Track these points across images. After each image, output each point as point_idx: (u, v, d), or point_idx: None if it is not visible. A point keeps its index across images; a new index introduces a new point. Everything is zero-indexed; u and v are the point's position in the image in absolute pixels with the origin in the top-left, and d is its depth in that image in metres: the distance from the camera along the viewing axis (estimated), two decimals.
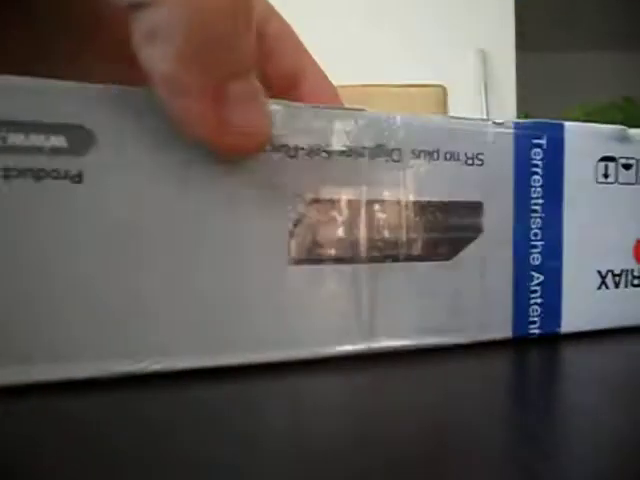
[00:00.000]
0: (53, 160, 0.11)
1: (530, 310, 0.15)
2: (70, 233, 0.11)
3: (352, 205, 0.13)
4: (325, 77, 0.17)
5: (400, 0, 0.99)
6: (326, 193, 0.13)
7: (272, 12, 0.15)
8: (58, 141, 0.11)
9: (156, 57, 0.10)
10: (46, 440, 0.09)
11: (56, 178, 0.11)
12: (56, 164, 0.11)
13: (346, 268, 0.13)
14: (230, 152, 0.12)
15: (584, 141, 0.16)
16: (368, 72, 0.86)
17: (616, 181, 0.16)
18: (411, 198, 0.14)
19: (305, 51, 0.16)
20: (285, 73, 0.16)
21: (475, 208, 0.15)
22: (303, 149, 0.13)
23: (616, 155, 0.16)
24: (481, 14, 1.00)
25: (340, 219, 0.13)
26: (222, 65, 0.10)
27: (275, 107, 0.13)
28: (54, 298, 0.11)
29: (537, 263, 0.15)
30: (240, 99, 0.11)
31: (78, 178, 0.11)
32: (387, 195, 0.14)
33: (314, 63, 0.16)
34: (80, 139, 0.11)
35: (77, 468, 0.08)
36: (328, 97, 0.13)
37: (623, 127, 0.16)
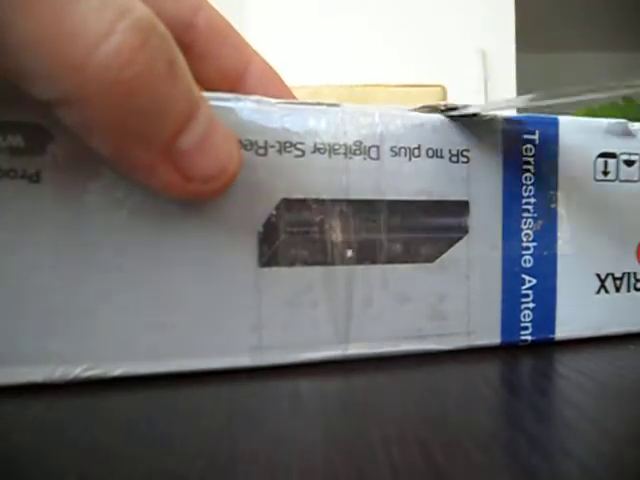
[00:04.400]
0: (10, 160, 0.11)
1: (521, 315, 0.14)
2: (27, 234, 0.11)
3: (326, 205, 0.13)
4: (270, 69, 0.16)
5: (400, 0, 0.99)
6: (298, 192, 0.13)
7: (201, 1, 0.15)
8: (15, 140, 0.11)
9: (97, 146, 0.10)
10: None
11: (13, 178, 0.11)
12: (13, 164, 0.11)
13: (320, 271, 0.13)
14: (200, 198, 0.11)
15: (581, 136, 0.15)
16: (368, 72, 0.86)
17: (617, 178, 0.15)
18: (390, 197, 0.13)
19: (245, 44, 0.16)
20: (226, 72, 0.15)
21: (460, 207, 0.14)
22: (273, 147, 0.12)
23: (617, 151, 0.15)
24: (481, 14, 0.98)
25: (313, 219, 0.13)
26: (164, 128, 0.10)
27: (244, 103, 0.12)
28: (8, 302, 0.11)
29: (529, 265, 0.14)
30: (194, 147, 0.10)
31: (36, 178, 0.11)
32: (364, 194, 0.13)
33: (256, 55, 0.16)
34: (37, 138, 0.11)
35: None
36: (277, 90, 0.13)
37: (624, 121, 0.15)
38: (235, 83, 0.15)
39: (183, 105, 0.10)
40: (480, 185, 0.14)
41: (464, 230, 0.14)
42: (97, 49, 0.09)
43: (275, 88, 0.15)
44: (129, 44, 0.09)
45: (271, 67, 0.16)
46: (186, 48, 0.11)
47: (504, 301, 0.14)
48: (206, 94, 0.12)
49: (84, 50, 0.09)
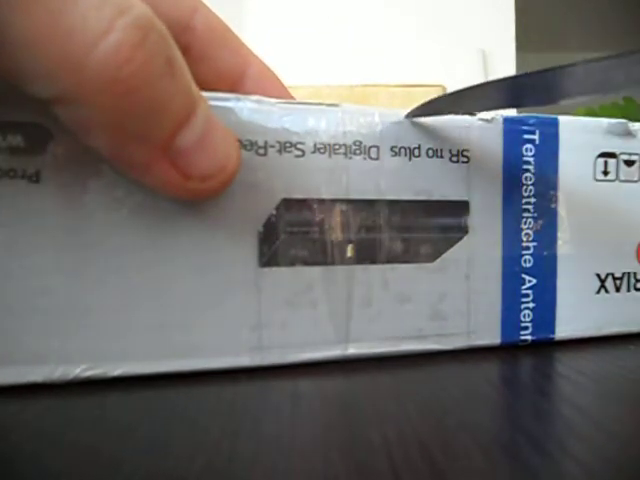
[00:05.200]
0: (10, 160, 0.11)
1: (521, 315, 0.14)
2: (27, 234, 0.11)
3: (326, 205, 0.13)
4: (269, 70, 0.16)
5: (399, 0, 0.99)
6: (299, 192, 0.13)
7: (198, 3, 0.15)
8: (15, 140, 0.11)
9: (95, 145, 0.10)
10: None
11: (13, 178, 0.11)
12: (13, 163, 0.11)
13: (320, 271, 0.13)
14: (198, 197, 0.11)
15: (581, 136, 0.15)
16: (368, 72, 0.86)
17: (617, 178, 0.15)
18: (390, 197, 0.13)
19: (242, 45, 0.16)
20: (224, 74, 0.15)
21: (460, 207, 0.14)
22: (273, 147, 0.12)
23: (617, 151, 0.15)
24: (481, 14, 0.98)
25: (313, 219, 0.13)
26: (163, 125, 0.10)
27: (244, 103, 0.12)
28: (8, 302, 0.11)
29: (529, 265, 0.14)
30: (192, 145, 0.10)
31: (36, 177, 0.11)
32: (364, 194, 0.13)
33: (254, 57, 0.16)
34: (37, 137, 0.11)
35: None
36: (275, 92, 0.13)
37: (624, 121, 0.15)
38: (233, 85, 0.15)
39: (182, 103, 0.10)
40: (480, 185, 0.14)
41: (464, 230, 0.14)
42: (96, 47, 0.09)
43: (273, 90, 0.15)
44: (128, 42, 0.09)
45: (269, 69, 0.16)
46: (183, 50, 0.11)
47: (504, 301, 0.14)
48: (206, 94, 0.12)
49: (83, 48, 0.09)
